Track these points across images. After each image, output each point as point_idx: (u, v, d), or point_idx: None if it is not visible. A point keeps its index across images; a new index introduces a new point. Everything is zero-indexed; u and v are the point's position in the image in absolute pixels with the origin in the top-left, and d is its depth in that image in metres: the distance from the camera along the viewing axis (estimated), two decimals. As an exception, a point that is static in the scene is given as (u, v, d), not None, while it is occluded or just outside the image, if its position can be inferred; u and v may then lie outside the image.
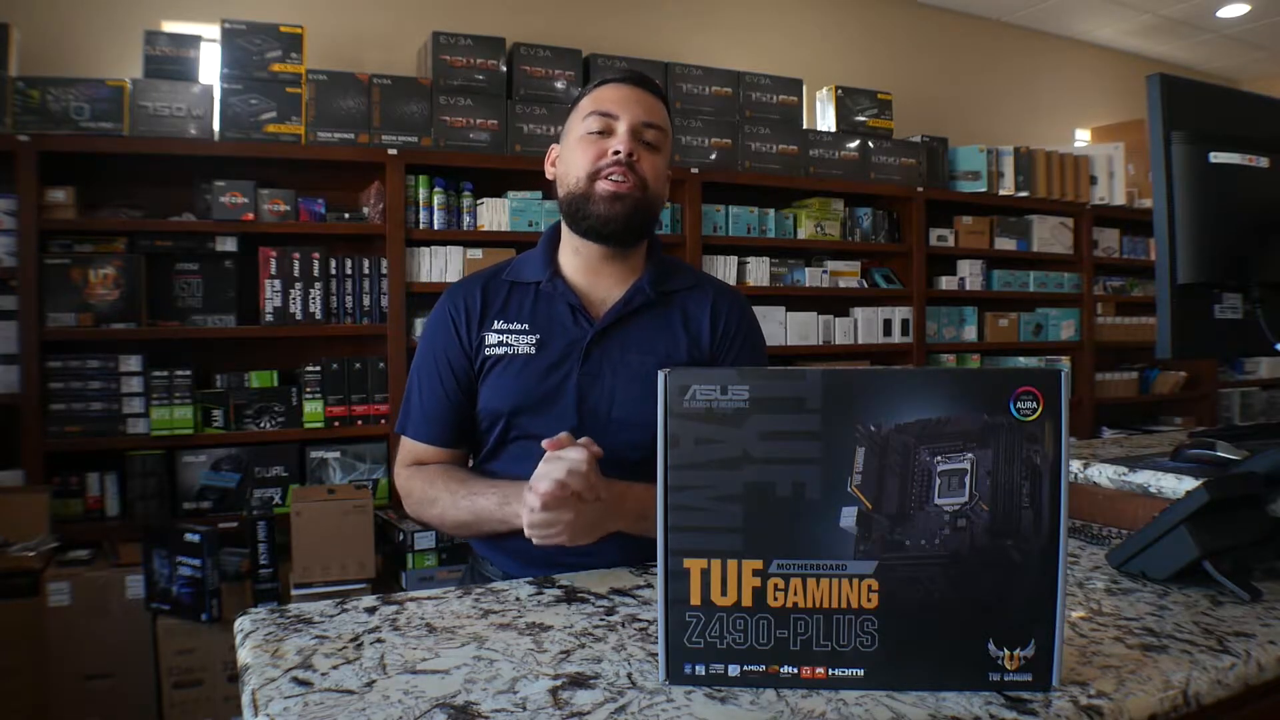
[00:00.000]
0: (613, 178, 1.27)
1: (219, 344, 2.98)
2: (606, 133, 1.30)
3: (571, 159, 1.32)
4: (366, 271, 3.03)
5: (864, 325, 3.90)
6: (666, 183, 1.38)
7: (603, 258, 1.34)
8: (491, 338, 1.32)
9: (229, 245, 2.90)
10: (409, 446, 1.38)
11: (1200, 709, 0.81)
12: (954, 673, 0.77)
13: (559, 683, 0.79)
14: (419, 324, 3.02)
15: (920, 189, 3.98)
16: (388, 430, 3.00)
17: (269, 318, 2.92)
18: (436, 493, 1.29)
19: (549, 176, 1.39)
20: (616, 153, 1.28)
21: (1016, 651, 0.76)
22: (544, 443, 1.10)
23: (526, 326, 1.32)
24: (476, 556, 1.41)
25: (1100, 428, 4.50)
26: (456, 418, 1.35)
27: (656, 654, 0.81)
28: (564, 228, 1.37)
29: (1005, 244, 4.28)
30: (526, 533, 1.09)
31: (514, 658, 0.85)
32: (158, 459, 2.78)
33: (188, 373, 2.80)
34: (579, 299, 1.33)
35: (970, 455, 0.75)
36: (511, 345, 1.31)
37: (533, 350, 1.31)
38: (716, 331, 1.37)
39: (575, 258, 1.36)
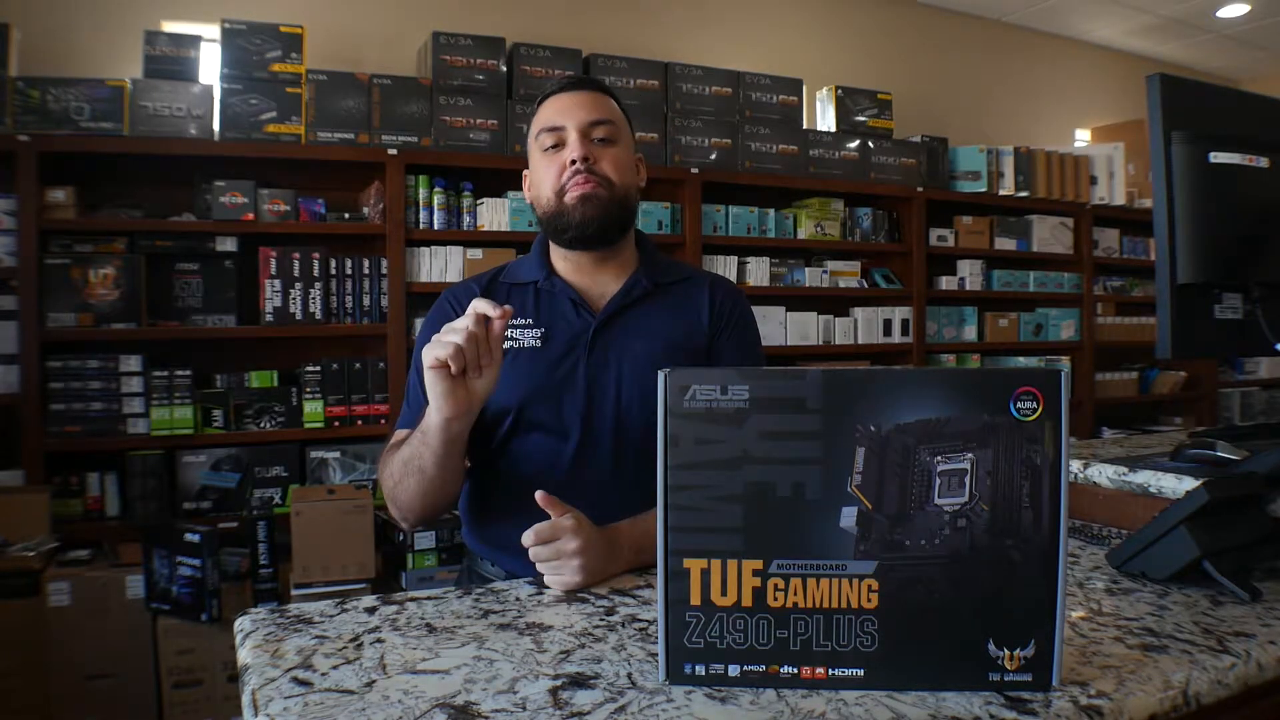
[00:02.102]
0: (577, 187, 1.29)
1: (219, 344, 2.98)
2: (559, 145, 1.32)
3: (538, 180, 1.36)
4: (366, 271, 3.03)
5: (864, 325, 3.91)
6: (637, 169, 1.40)
7: (593, 259, 1.37)
8: None
9: (229, 245, 2.90)
10: (397, 436, 1.35)
11: (1200, 709, 0.80)
12: (954, 673, 0.77)
13: (559, 683, 0.79)
14: (419, 324, 3.02)
15: (920, 189, 3.98)
16: (388, 430, 3.00)
17: (269, 318, 2.92)
18: (386, 457, 1.28)
19: (528, 201, 1.42)
20: (573, 162, 1.30)
21: (1016, 651, 0.76)
22: (537, 495, 1.09)
23: (530, 321, 1.34)
24: (473, 555, 1.41)
25: (1100, 428, 4.50)
26: None
27: (656, 654, 0.81)
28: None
29: (1005, 244, 4.28)
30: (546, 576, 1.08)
31: (514, 658, 0.85)
32: (158, 459, 2.78)
33: (188, 373, 2.80)
34: (579, 295, 1.35)
35: (970, 455, 0.75)
36: (517, 339, 1.32)
37: (538, 343, 1.32)
38: (714, 316, 1.39)
39: (567, 262, 1.39)
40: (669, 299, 1.39)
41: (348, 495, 2.66)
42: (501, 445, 1.34)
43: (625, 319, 1.35)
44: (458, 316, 1.33)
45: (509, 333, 1.33)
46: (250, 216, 2.87)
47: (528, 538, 1.06)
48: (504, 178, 3.21)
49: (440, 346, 1.05)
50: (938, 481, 0.76)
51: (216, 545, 2.42)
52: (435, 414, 1.11)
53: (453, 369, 1.05)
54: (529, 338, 1.33)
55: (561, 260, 1.39)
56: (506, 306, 1.07)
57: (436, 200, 3.11)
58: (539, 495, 1.08)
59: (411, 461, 1.20)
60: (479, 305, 1.06)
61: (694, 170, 3.47)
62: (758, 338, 1.47)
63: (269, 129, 2.88)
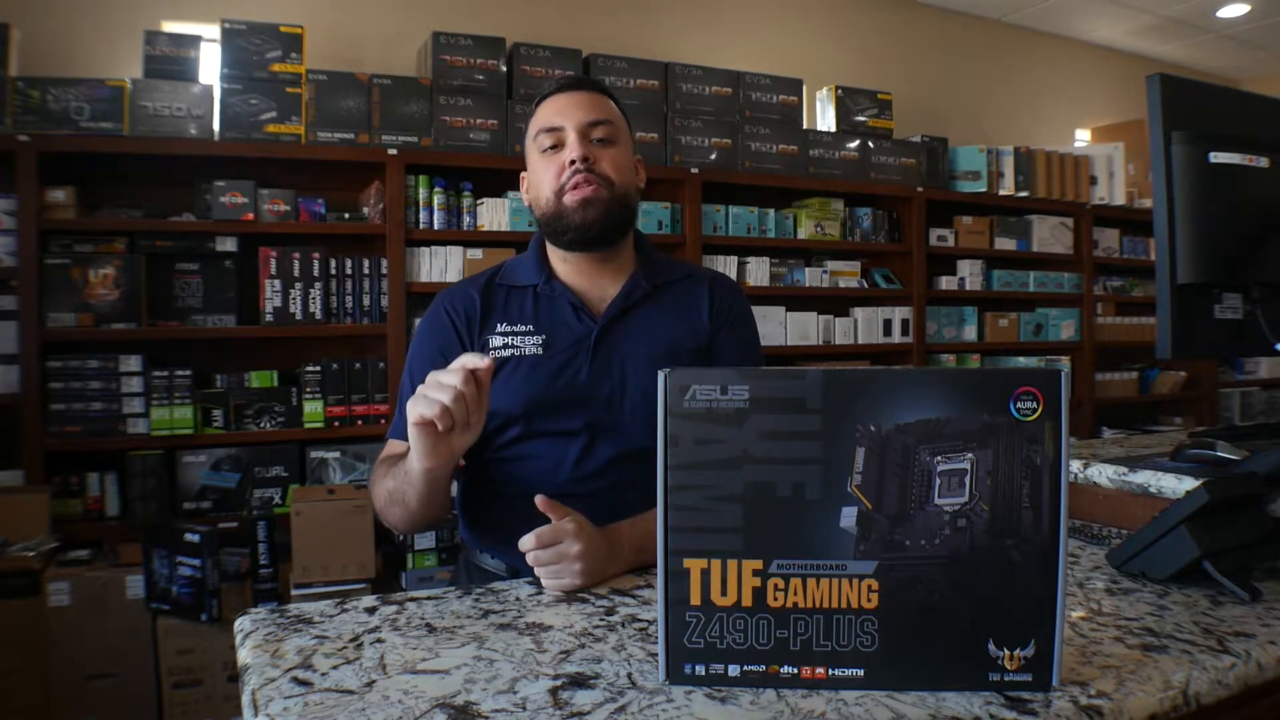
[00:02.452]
0: (577, 188, 1.29)
1: (219, 344, 2.98)
2: (558, 146, 1.32)
3: (536, 182, 1.35)
4: (366, 271, 3.03)
5: (864, 325, 3.91)
6: (636, 170, 1.39)
7: (593, 261, 1.36)
8: (496, 340, 1.33)
9: (229, 245, 2.90)
10: (389, 447, 1.35)
11: (1200, 709, 0.80)
12: (954, 673, 0.77)
13: (559, 683, 0.79)
14: (419, 324, 3.03)
15: (920, 189, 3.98)
16: (386, 431, 3.00)
17: (269, 318, 2.92)
18: (376, 476, 1.29)
19: (526, 204, 1.41)
20: (573, 162, 1.29)
21: (1016, 651, 0.76)
22: (537, 499, 1.08)
23: (531, 327, 1.33)
24: (469, 549, 1.40)
25: (1100, 428, 4.50)
26: None
27: (656, 654, 0.81)
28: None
29: (1005, 244, 4.28)
30: (541, 576, 1.07)
31: (514, 658, 0.85)
32: (158, 459, 2.78)
33: (188, 373, 2.80)
34: (579, 299, 1.35)
35: (970, 455, 0.75)
36: (518, 346, 1.32)
37: (540, 350, 1.31)
38: (714, 313, 1.39)
39: (566, 265, 1.38)
40: (669, 299, 1.39)
41: (348, 495, 2.66)
42: (503, 450, 1.33)
43: (626, 322, 1.34)
44: (454, 322, 1.34)
45: (509, 339, 1.32)
46: (250, 216, 2.87)
47: (528, 541, 1.05)
48: (504, 178, 3.21)
49: (426, 404, 1.04)
50: (938, 481, 0.76)
51: (216, 545, 2.42)
52: (416, 463, 1.11)
53: (439, 428, 1.05)
54: (530, 345, 1.32)
55: (560, 262, 1.38)
56: (491, 358, 1.07)
57: (436, 200, 3.11)
58: (539, 499, 1.07)
59: (395, 493, 1.21)
60: (467, 361, 1.05)
61: (694, 170, 3.47)
62: (756, 335, 1.47)
63: (269, 129, 2.88)
